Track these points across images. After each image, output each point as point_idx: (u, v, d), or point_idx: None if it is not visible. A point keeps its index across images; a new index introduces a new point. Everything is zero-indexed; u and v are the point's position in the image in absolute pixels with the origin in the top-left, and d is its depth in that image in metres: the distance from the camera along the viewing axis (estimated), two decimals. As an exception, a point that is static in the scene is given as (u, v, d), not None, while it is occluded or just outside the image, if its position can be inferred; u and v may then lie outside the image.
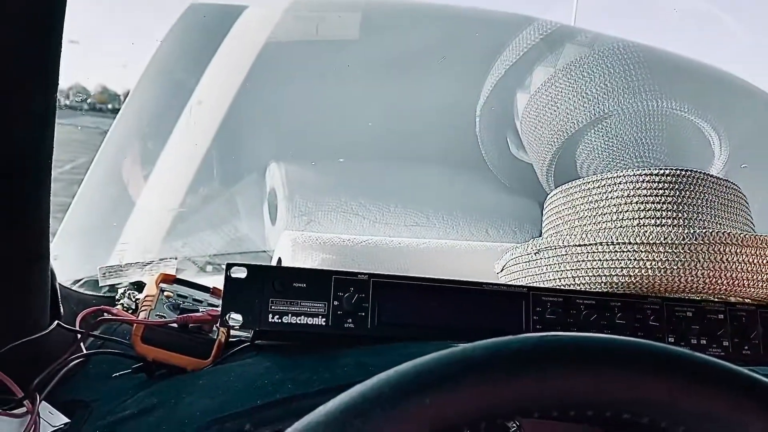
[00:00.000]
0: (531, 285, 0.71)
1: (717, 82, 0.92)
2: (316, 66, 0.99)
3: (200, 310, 0.73)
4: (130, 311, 0.88)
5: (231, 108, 1.06)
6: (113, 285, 0.97)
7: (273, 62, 1.08)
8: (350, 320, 0.61)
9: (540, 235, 0.99)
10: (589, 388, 0.32)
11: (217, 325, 0.69)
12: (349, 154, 0.94)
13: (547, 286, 0.70)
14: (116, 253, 0.97)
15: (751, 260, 0.63)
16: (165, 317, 0.70)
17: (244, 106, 1.06)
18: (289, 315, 0.60)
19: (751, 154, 0.82)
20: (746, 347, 0.67)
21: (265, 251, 1.02)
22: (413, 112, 0.96)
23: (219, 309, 0.73)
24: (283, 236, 0.87)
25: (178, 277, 0.83)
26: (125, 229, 1.10)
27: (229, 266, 0.60)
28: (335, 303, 0.61)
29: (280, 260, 0.87)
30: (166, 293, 0.77)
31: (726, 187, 0.71)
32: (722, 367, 0.33)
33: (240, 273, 0.61)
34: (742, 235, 0.62)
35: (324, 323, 0.61)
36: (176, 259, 0.95)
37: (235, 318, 0.59)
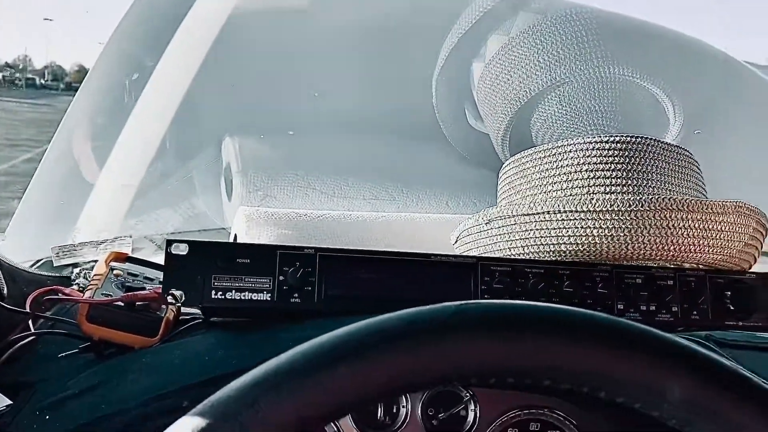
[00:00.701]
0: (482, 255, 0.71)
1: (671, 44, 0.91)
2: (273, 41, 0.97)
3: (147, 286, 0.73)
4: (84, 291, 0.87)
5: (191, 85, 1.04)
6: (70, 265, 0.96)
7: (233, 38, 1.06)
8: (296, 295, 0.60)
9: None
10: (498, 356, 0.32)
11: (165, 304, 0.68)
12: (305, 127, 0.92)
13: (497, 255, 0.69)
14: (72, 233, 0.96)
15: (698, 225, 0.63)
16: (111, 295, 0.69)
17: (203, 82, 1.04)
18: (233, 291, 0.59)
19: (707, 118, 0.82)
20: (695, 312, 0.67)
21: (224, 228, 1.01)
22: (371, 84, 0.94)
23: (168, 287, 0.72)
24: (238, 212, 0.86)
25: (131, 255, 0.82)
26: (84, 208, 1.09)
27: (170, 242, 0.59)
28: (281, 278, 0.60)
29: (236, 238, 0.86)
30: (115, 272, 0.75)
31: (677, 153, 0.70)
32: (632, 328, 0.33)
33: (181, 249, 0.60)
34: (688, 201, 0.62)
35: (269, 298, 0.60)
36: (131, 237, 0.93)
37: (177, 294, 0.58)
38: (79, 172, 1.14)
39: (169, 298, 0.58)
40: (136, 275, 0.77)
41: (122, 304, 0.65)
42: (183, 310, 0.70)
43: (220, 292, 0.59)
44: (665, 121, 0.83)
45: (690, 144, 0.75)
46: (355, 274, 0.63)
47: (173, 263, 0.59)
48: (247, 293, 0.60)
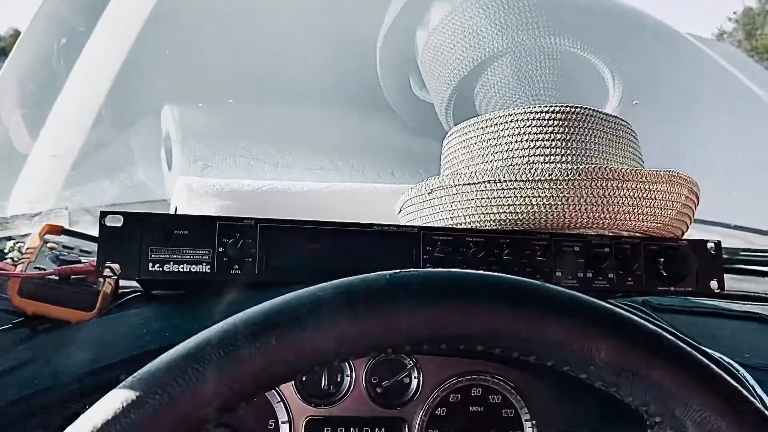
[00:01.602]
0: (424, 225, 0.71)
1: (612, 16, 0.92)
2: (213, 6, 0.94)
3: (83, 259, 0.71)
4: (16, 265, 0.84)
5: (128, 51, 1.00)
6: (3, 238, 0.92)
7: (172, 3, 1.02)
8: (236, 267, 0.60)
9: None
10: (431, 323, 0.32)
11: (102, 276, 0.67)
12: (247, 95, 0.90)
13: (440, 225, 0.70)
14: (4, 205, 0.92)
15: (633, 194, 0.64)
16: (44, 268, 0.66)
17: (141, 49, 1.00)
18: (171, 263, 0.58)
19: (644, 87, 0.84)
20: (629, 278, 0.69)
21: (165, 200, 0.99)
22: (315, 51, 0.92)
23: (105, 259, 0.70)
24: (178, 183, 0.84)
25: (67, 228, 0.80)
26: (17, 179, 1.05)
27: (104, 214, 0.58)
28: (220, 249, 0.59)
29: (176, 209, 0.84)
30: (50, 245, 0.73)
31: (615, 123, 0.72)
32: (560, 294, 0.34)
33: (116, 221, 0.58)
34: (624, 170, 0.64)
35: (209, 270, 0.59)
36: (67, 209, 0.91)
37: (114, 267, 0.57)
38: (11, 142, 1.10)
39: (106, 272, 0.56)
40: (71, 248, 0.75)
41: (56, 278, 0.63)
42: (121, 283, 0.69)
43: (158, 265, 0.58)
44: (605, 92, 0.84)
45: (627, 115, 0.76)
46: (296, 244, 0.62)
47: (108, 236, 0.57)
48: (185, 265, 0.59)
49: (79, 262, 0.67)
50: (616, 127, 0.72)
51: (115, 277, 0.58)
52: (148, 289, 0.66)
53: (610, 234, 0.69)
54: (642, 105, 0.86)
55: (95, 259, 0.70)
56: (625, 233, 0.70)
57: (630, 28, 0.92)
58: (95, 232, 0.87)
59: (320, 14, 0.91)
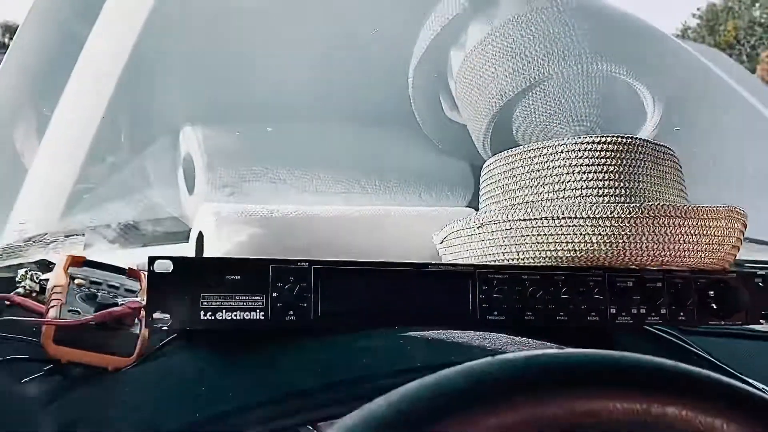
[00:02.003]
0: (476, 263, 0.69)
1: (651, 39, 0.90)
2: (230, 20, 0.90)
3: (118, 299, 0.67)
4: (34, 295, 0.79)
5: (133, 61, 0.95)
6: (15, 265, 0.87)
7: (180, 15, 0.97)
8: (291, 312, 0.57)
9: (473, 200, 0.97)
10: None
11: (139, 318, 0.63)
12: (273, 115, 0.87)
13: (490, 260, 0.68)
14: (12, 231, 0.87)
15: (692, 231, 0.63)
16: (79, 311, 0.63)
17: (148, 58, 0.95)
18: (224, 311, 0.55)
19: (679, 116, 0.83)
20: (682, 314, 0.68)
21: (178, 218, 0.94)
22: (340, 70, 0.89)
23: (139, 299, 0.67)
24: (203, 209, 0.80)
25: (88, 258, 0.76)
26: (17, 203, 0.99)
27: (152, 260, 0.54)
28: (274, 294, 0.56)
29: (201, 235, 0.81)
30: (77, 281, 0.69)
31: (663, 153, 0.70)
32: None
33: (165, 267, 0.54)
34: (684, 207, 0.62)
35: (263, 317, 0.56)
36: (83, 235, 0.86)
37: (162, 318, 0.53)
38: (8, 162, 1.04)
39: (158, 323, 0.52)
40: (99, 283, 0.71)
41: (94, 323, 0.60)
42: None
43: (210, 313, 0.55)
44: (639, 117, 0.83)
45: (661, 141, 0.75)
46: (349, 286, 0.59)
47: (157, 283, 0.54)
48: (239, 312, 0.55)
49: (115, 302, 0.63)
50: (665, 157, 0.71)
51: (162, 329, 0.55)
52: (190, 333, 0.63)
53: (663, 269, 0.68)
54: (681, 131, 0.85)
55: (132, 299, 0.66)
56: (674, 267, 0.69)
57: (665, 51, 0.91)
58: (112, 259, 0.83)
59: (346, 30, 0.88)
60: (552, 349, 0.35)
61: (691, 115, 0.90)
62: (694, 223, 0.62)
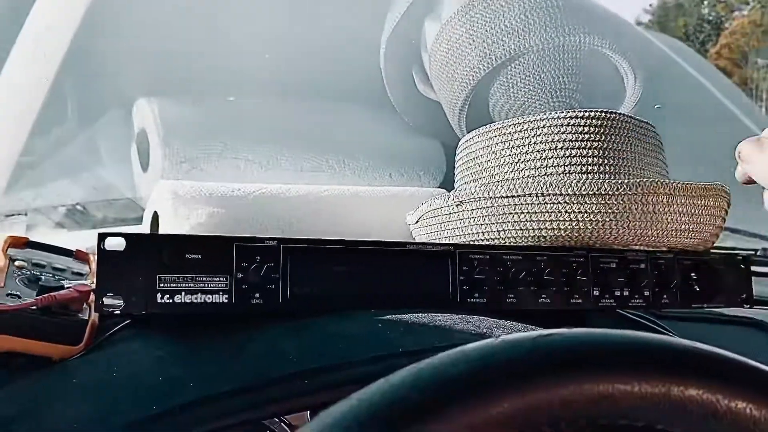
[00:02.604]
0: (453, 242, 0.65)
1: (623, 21, 0.88)
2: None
3: (64, 282, 0.61)
4: (-30, 280, 0.72)
5: (84, 27, 0.88)
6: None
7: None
8: (258, 295, 0.52)
9: (445, 180, 0.94)
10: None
11: (88, 303, 0.57)
12: (235, 88, 0.81)
13: (469, 240, 0.64)
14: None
15: (680, 210, 0.60)
16: (19, 295, 0.56)
17: (101, 24, 0.88)
18: (183, 293, 0.50)
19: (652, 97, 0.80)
20: (665, 296, 0.66)
21: (131, 198, 0.88)
22: (308, 42, 0.84)
23: (87, 282, 0.61)
24: (159, 187, 0.74)
25: (30, 239, 0.69)
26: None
27: (102, 236, 0.48)
28: (239, 275, 0.51)
29: (156, 216, 0.75)
30: (17, 263, 0.63)
31: (647, 130, 0.68)
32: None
33: (117, 244, 0.49)
34: (673, 184, 0.60)
35: (226, 300, 0.51)
36: (26, 215, 0.79)
37: (113, 302, 0.48)
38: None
39: (109, 307, 0.47)
40: (42, 266, 0.64)
41: (36, 308, 0.54)
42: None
43: (168, 295, 0.49)
44: (619, 93, 0.80)
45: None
46: (322, 267, 0.55)
47: (108, 262, 0.48)
48: (200, 295, 0.50)
49: (60, 285, 0.57)
50: (648, 134, 0.68)
51: (114, 313, 0.49)
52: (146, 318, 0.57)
53: (646, 249, 0.65)
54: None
55: (80, 282, 0.60)
56: (661, 246, 0.67)
57: (637, 39, 0.89)
58: (59, 240, 0.77)
59: (319, 2, 0.83)
60: (562, 329, 0.31)
61: (659, 98, 0.88)
62: (683, 201, 0.60)
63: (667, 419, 0.30)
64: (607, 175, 0.62)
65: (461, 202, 0.63)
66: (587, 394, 0.29)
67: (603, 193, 0.58)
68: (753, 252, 0.87)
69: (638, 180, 0.59)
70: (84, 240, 0.86)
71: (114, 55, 0.84)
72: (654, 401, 0.30)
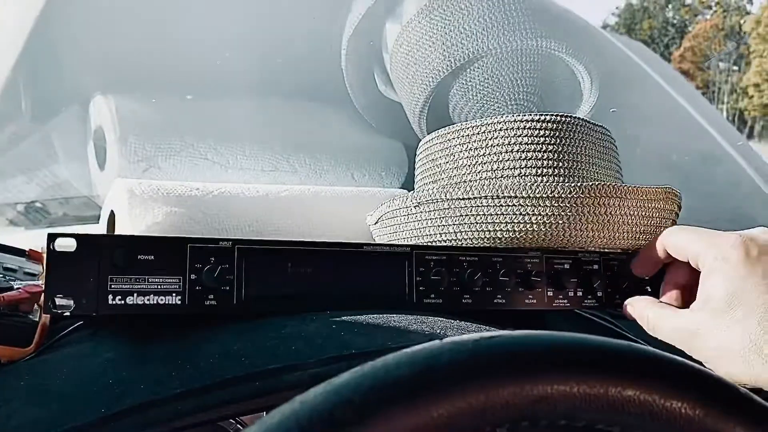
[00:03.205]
0: (411, 243, 0.66)
1: (583, 25, 0.90)
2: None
3: (14, 283, 0.60)
4: None
5: (40, 21, 0.86)
6: None
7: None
8: (211, 296, 0.52)
9: (407, 181, 0.94)
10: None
11: (38, 304, 0.56)
12: (194, 86, 0.80)
13: (427, 241, 0.65)
14: None
15: (631, 212, 0.62)
16: (-34, 297, 0.55)
17: (56, 18, 0.86)
18: (135, 295, 0.49)
19: (607, 100, 0.82)
20: (617, 296, 0.67)
21: (88, 197, 0.87)
22: (269, 40, 0.83)
23: (39, 283, 0.60)
24: (115, 185, 0.73)
25: (-19, 239, 0.68)
26: None
27: (52, 237, 0.48)
28: (192, 277, 0.51)
29: (113, 215, 0.74)
30: (-35, 263, 0.62)
31: (601, 134, 0.69)
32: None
33: (67, 245, 0.48)
34: (623, 187, 0.61)
35: (179, 302, 0.51)
36: (-24, 213, 0.78)
37: (64, 303, 0.47)
38: None
39: (59, 309, 0.46)
40: (-8, 266, 0.63)
41: (-17, 309, 0.53)
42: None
43: (119, 297, 0.49)
44: (576, 97, 0.82)
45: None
46: (278, 268, 0.55)
47: (58, 263, 0.48)
48: (152, 296, 0.50)
49: (12, 288, 0.57)
50: (603, 138, 0.69)
51: (63, 315, 0.48)
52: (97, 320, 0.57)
53: (599, 251, 0.67)
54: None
55: (30, 283, 0.59)
56: (613, 248, 0.68)
57: (598, 41, 0.90)
58: (11, 240, 0.75)
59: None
60: (504, 331, 0.32)
61: (618, 101, 0.90)
62: (634, 204, 0.61)
63: (605, 419, 0.31)
64: (561, 178, 0.63)
65: (419, 203, 0.64)
66: (527, 395, 0.29)
67: (556, 195, 0.59)
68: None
69: (591, 183, 0.60)
70: (40, 239, 0.85)
71: (71, 51, 0.82)
72: (593, 402, 0.30)
